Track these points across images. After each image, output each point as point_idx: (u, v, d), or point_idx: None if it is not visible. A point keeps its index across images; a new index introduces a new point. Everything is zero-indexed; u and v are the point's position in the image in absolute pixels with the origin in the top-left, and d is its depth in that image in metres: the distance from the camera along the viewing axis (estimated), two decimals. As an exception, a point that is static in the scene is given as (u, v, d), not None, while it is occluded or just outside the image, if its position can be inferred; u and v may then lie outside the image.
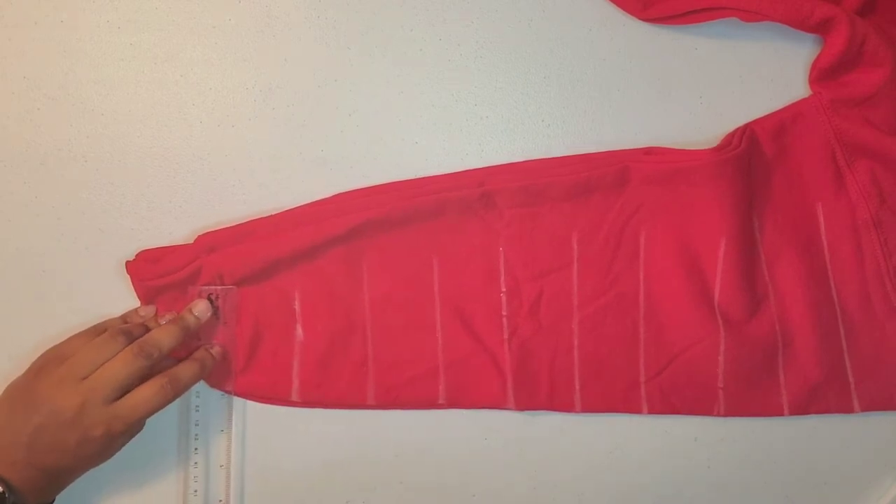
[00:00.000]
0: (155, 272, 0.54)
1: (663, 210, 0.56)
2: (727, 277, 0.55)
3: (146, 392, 0.49)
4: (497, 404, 0.57)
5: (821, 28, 0.54)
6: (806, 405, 0.57)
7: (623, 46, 0.57)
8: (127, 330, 0.51)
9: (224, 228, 0.55)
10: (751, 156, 0.56)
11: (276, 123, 0.56)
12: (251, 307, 0.55)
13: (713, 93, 0.57)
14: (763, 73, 0.57)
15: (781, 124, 0.56)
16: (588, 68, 0.57)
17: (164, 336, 0.51)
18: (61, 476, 0.49)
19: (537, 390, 0.57)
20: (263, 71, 0.56)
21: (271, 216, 0.55)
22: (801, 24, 0.53)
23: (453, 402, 0.57)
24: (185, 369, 0.52)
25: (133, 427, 0.50)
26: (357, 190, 0.56)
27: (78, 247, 0.56)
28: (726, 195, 0.54)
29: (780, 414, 0.57)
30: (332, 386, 0.56)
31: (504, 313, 0.57)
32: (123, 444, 0.51)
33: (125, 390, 0.49)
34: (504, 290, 0.57)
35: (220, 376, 0.55)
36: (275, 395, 0.56)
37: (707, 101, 0.58)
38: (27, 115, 0.55)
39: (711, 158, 0.54)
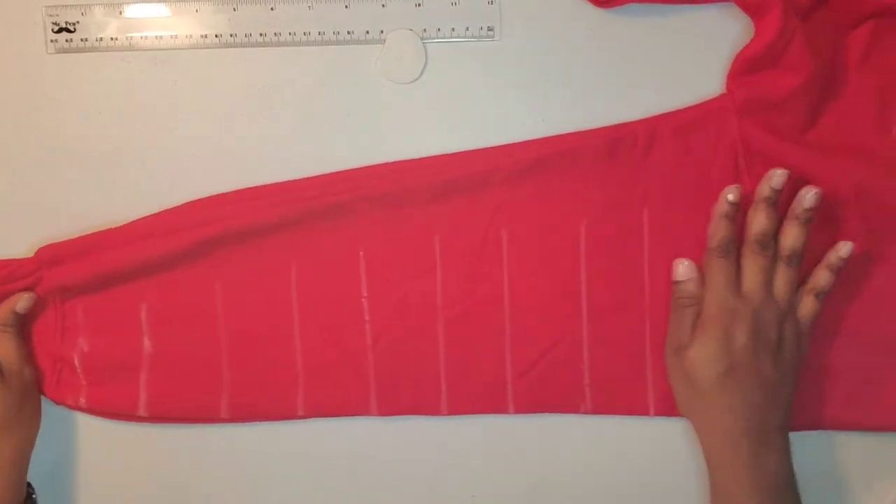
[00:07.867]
0: None
1: (524, 204, 0.55)
2: (591, 272, 0.55)
3: None
4: (359, 411, 0.56)
5: (757, 11, 0.52)
6: (672, 406, 0.56)
7: (623, 46, 0.57)
8: None
9: (68, 240, 0.54)
10: (648, 148, 0.55)
11: (276, 123, 0.56)
12: (94, 321, 0.55)
13: (713, 93, 0.57)
14: (763, 73, 0.57)
15: (688, 121, 0.55)
16: (588, 68, 0.57)
17: None
18: None
19: (401, 395, 0.56)
20: (263, 71, 0.56)
21: (118, 227, 0.55)
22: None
23: (313, 412, 0.56)
24: None
25: None
26: (209, 198, 0.55)
27: (78, 247, 0.55)
28: (587, 184, 0.55)
29: (647, 414, 0.57)
30: (183, 399, 0.56)
31: (366, 318, 0.56)
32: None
33: None
34: (366, 295, 0.56)
35: (62, 393, 0.55)
36: (121, 410, 0.55)
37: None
38: (27, 115, 0.55)
39: (571, 145, 0.54)
